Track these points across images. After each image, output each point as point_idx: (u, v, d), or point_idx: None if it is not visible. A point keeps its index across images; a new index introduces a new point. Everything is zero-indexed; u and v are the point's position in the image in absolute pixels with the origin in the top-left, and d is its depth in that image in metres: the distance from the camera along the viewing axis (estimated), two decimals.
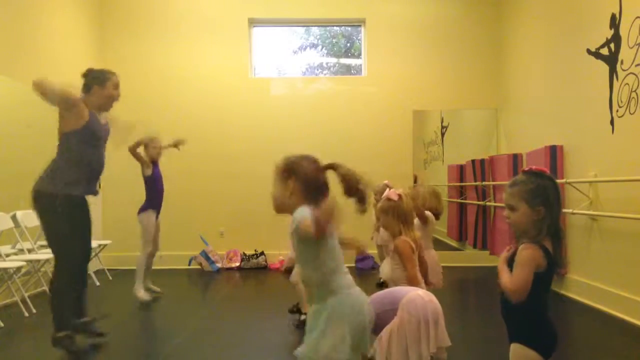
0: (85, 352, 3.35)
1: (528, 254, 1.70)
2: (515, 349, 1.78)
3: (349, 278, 1.82)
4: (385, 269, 3.67)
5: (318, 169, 1.85)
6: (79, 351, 3.22)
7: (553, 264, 1.75)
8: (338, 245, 1.82)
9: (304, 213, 1.72)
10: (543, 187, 1.75)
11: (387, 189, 2.97)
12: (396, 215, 2.80)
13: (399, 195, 2.84)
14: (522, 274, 1.69)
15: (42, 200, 3.19)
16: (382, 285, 4.96)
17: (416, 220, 3.54)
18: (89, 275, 5.56)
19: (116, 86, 3.43)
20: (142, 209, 4.91)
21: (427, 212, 3.57)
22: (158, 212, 4.97)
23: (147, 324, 4.33)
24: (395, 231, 2.81)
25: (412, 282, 2.66)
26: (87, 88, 3.39)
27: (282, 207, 1.85)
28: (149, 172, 4.93)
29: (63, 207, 3.15)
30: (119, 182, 6.81)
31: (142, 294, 4.77)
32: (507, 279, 1.72)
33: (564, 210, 4.76)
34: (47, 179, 3.21)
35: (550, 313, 1.81)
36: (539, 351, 1.74)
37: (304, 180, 1.81)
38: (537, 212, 1.73)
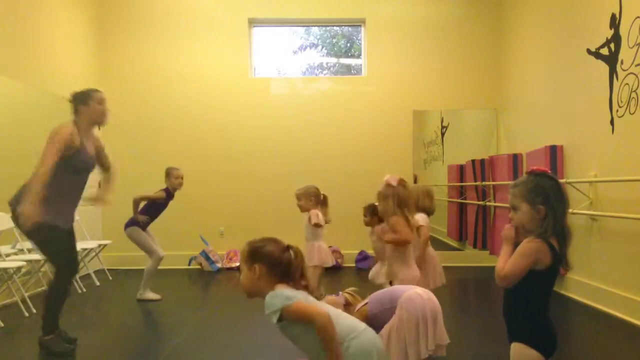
0: (78, 352, 3.36)
1: (531, 247, 1.72)
2: (516, 348, 1.78)
3: (349, 321, 1.84)
4: (375, 273, 3.72)
5: (281, 250, 1.90)
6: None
7: (558, 264, 1.75)
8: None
9: (285, 295, 1.77)
10: (542, 187, 1.78)
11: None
12: (395, 201, 2.81)
13: (399, 181, 2.84)
14: (518, 263, 1.72)
15: (17, 221, 3.24)
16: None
17: (423, 216, 3.55)
18: (88, 276, 5.58)
19: (100, 101, 3.44)
20: (128, 225, 4.85)
21: (422, 214, 3.57)
22: (144, 229, 4.90)
23: (147, 323, 4.33)
24: (392, 214, 2.81)
25: (403, 244, 2.71)
26: (74, 110, 3.42)
27: (253, 292, 1.90)
28: (161, 199, 4.92)
29: (38, 233, 3.21)
30: (118, 182, 6.81)
31: (150, 295, 4.79)
32: (502, 263, 1.75)
33: None
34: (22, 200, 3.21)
35: (551, 313, 1.82)
36: (539, 350, 1.75)
37: (269, 262, 1.86)
38: (538, 211, 1.75)
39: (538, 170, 1.84)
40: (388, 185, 2.85)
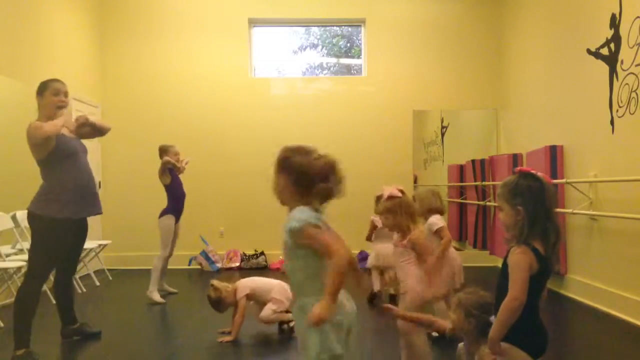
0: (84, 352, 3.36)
1: (523, 259, 1.74)
2: (504, 348, 1.78)
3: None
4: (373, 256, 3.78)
5: (312, 162, 1.77)
6: None
7: (545, 266, 1.76)
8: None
9: (304, 217, 1.69)
10: (520, 188, 1.79)
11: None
12: (404, 211, 2.69)
13: (401, 191, 2.76)
14: (522, 279, 1.72)
15: (32, 221, 3.23)
16: (375, 297, 4.88)
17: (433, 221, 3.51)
18: (88, 276, 5.58)
19: (56, 92, 3.30)
20: (163, 213, 4.93)
21: (436, 215, 3.54)
22: (178, 217, 5.00)
23: (147, 324, 4.32)
24: (405, 228, 2.71)
25: (430, 274, 2.58)
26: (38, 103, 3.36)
27: (282, 201, 1.82)
28: (167, 180, 4.95)
29: (48, 229, 3.17)
30: (118, 182, 6.82)
31: (156, 296, 4.77)
32: (514, 292, 1.71)
33: (564, 210, 4.76)
34: (38, 202, 3.22)
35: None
36: (527, 351, 1.75)
37: (295, 175, 1.76)
38: (517, 212, 1.78)
39: (523, 171, 1.84)
40: (392, 197, 2.76)
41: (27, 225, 4.70)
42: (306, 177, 1.75)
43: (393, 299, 4.29)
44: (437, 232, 3.41)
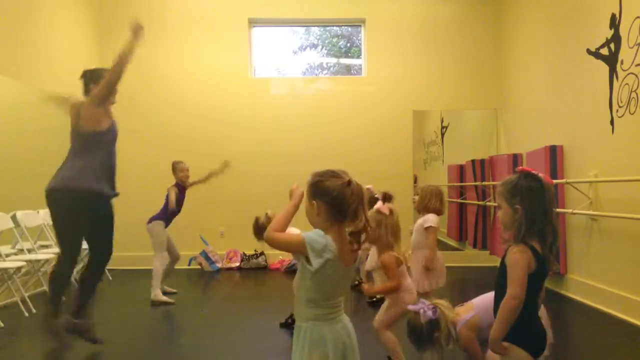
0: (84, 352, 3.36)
1: (521, 257, 1.74)
2: (505, 347, 1.79)
3: (327, 311, 1.74)
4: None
5: (341, 185, 1.77)
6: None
7: (543, 266, 1.76)
8: (334, 282, 1.74)
9: (327, 244, 1.68)
10: (520, 187, 1.80)
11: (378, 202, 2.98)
12: (388, 229, 2.82)
13: (390, 210, 2.87)
14: (521, 278, 1.73)
15: (53, 197, 3.25)
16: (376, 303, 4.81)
17: (423, 221, 3.53)
18: None
19: None
20: (152, 219, 4.95)
21: (432, 215, 3.55)
22: (167, 225, 5.01)
23: (147, 324, 4.32)
24: (384, 245, 2.82)
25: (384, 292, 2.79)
26: (86, 89, 3.49)
27: (313, 225, 1.80)
28: (177, 195, 5.00)
29: (70, 202, 3.22)
30: (118, 182, 6.81)
31: (162, 297, 4.75)
32: (513, 290, 1.73)
33: (564, 210, 4.76)
34: (62, 176, 3.27)
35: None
36: (528, 350, 1.76)
37: (327, 200, 1.75)
38: (515, 211, 1.79)
39: (525, 171, 1.85)
40: (379, 212, 2.84)
41: (27, 226, 4.75)
42: (339, 199, 1.75)
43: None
44: (426, 230, 3.45)
